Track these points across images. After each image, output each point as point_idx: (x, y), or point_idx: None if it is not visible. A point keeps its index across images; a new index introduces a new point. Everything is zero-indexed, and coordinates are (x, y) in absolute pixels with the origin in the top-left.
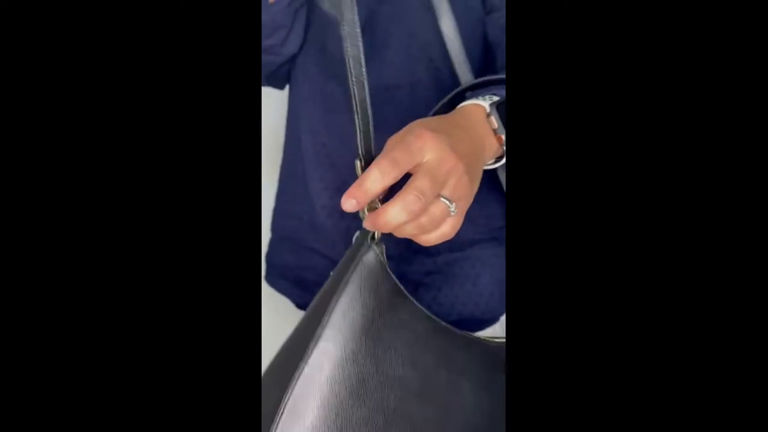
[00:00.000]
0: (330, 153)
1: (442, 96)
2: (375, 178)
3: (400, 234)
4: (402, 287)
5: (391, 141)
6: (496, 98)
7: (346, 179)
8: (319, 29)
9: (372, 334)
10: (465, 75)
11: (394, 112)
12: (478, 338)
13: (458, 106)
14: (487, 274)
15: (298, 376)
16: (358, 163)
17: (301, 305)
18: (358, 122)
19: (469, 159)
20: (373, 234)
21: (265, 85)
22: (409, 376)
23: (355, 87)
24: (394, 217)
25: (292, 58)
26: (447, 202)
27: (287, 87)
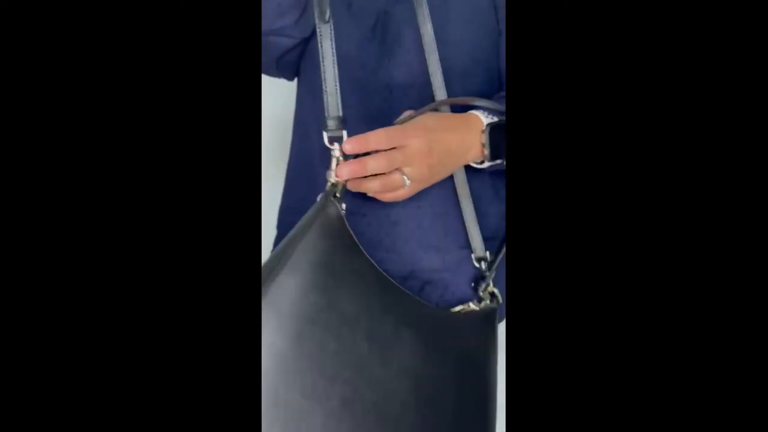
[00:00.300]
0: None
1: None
2: (376, 138)
3: (365, 187)
4: (357, 242)
5: (400, 119)
6: (495, 120)
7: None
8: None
9: (327, 272)
10: (437, 80)
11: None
12: (425, 302)
13: (468, 112)
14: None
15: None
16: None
17: None
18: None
19: (441, 158)
20: (335, 192)
21: (274, 75)
22: (359, 315)
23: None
24: (365, 167)
25: (305, 43)
26: (404, 178)
27: (290, 85)
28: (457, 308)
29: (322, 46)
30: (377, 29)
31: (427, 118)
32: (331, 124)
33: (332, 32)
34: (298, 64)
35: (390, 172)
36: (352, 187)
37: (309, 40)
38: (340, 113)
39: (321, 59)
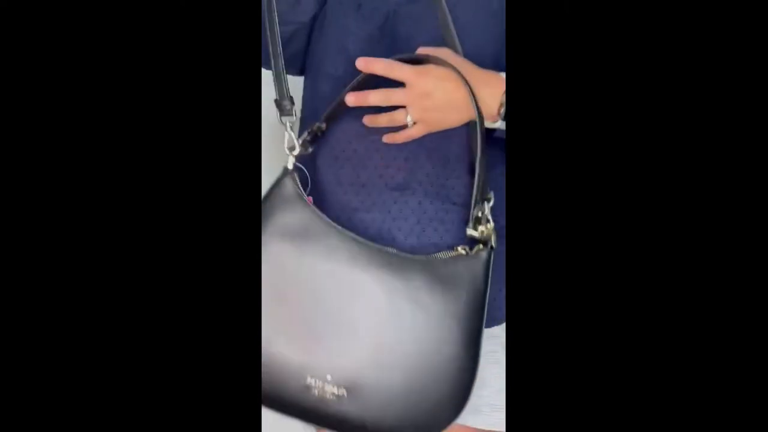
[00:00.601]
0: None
1: None
2: (382, 66)
3: (377, 121)
4: (317, 211)
5: (428, 50)
6: None
7: (359, 174)
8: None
9: (289, 238)
10: None
11: None
12: (391, 250)
13: (500, 73)
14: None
15: None
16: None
17: None
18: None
19: (441, 107)
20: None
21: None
22: (325, 271)
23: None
24: (366, 98)
25: (308, 33)
26: (408, 118)
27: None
28: (442, 254)
29: None
30: (386, 29)
31: (446, 69)
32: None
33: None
34: (304, 58)
35: (397, 110)
36: (368, 122)
37: (311, 36)
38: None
39: None
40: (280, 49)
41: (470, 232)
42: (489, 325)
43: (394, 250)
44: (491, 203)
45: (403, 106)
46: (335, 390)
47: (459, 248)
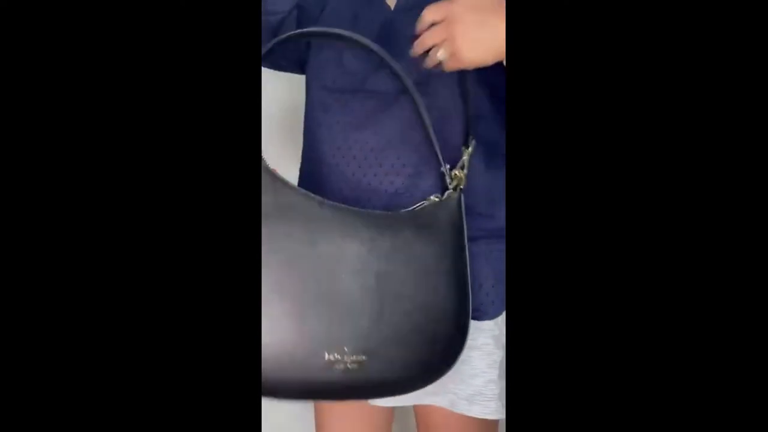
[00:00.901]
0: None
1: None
2: (430, 13)
3: (434, 59)
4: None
5: None
6: None
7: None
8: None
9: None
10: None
11: (398, 118)
12: (375, 212)
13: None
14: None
15: None
16: None
17: None
18: None
19: (468, 39)
20: None
21: (278, 67)
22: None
23: None
24: (423, 43)
25: (307, 46)
26: (442, 51)
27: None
28: (418, 205)
29: None
30: (381, 38)
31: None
32: None
33: None
34: (298, 53)
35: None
36: (429, 63)
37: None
38: None
39: None
40: None
41: (454, 173)
42: (481, 319)
43: (378, 211)
44: (470, 150)
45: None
46: (356, 358)
47: (432, 197)
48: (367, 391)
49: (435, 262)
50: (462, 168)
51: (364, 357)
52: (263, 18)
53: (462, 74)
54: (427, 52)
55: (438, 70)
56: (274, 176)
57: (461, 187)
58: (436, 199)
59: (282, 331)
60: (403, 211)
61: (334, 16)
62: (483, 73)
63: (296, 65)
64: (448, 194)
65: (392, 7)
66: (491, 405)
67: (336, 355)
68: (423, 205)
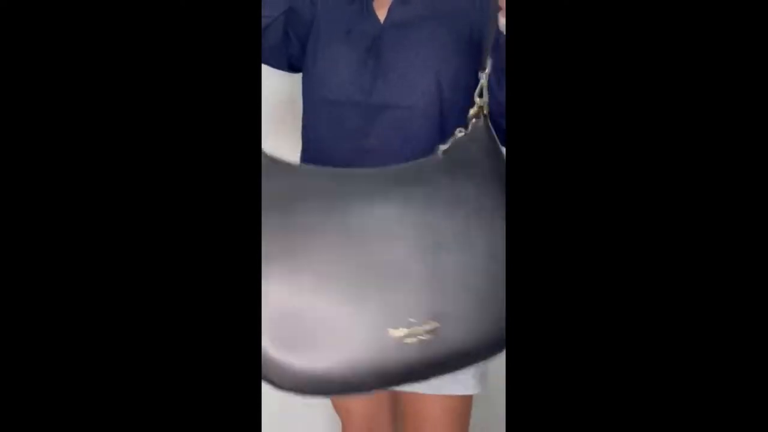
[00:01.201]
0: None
1: (433, 117)
2: None
3: None
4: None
5: None
6: None
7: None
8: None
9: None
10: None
11: (394, 130)
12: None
13: None
14: None
15: None
16: None
17: None
18: None
19: None
20: None
21: (273, 65)
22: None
23: None
24: None
25: (285, 32)
26: None
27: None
28: (443, 147)
29: None
30: (372, 51)
31: None
32: None
33: None
34: (287, 57)
35: None
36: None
37: (295, 30)
38: None
39: None
40: None
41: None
42: None
43: (406, 164)
44: (488, 71)
45: None
46: (427, 327)
47: (456, 132)
48: (449, 363)
49: (478, 202)
50: (480, 95)
51: (435, 324)
52: None
53: None
54: None
55: None
56: (288, 164)
57: (485, 113)
58: (461, 134)
59: (340, 318)
60: (431, 156)
61: (328, 31)
62: None
63: (286, 66)
64: (473, 124)
65: (382, 22)
66: (471, 382)
67: (401, 330)
68: (451, 143)
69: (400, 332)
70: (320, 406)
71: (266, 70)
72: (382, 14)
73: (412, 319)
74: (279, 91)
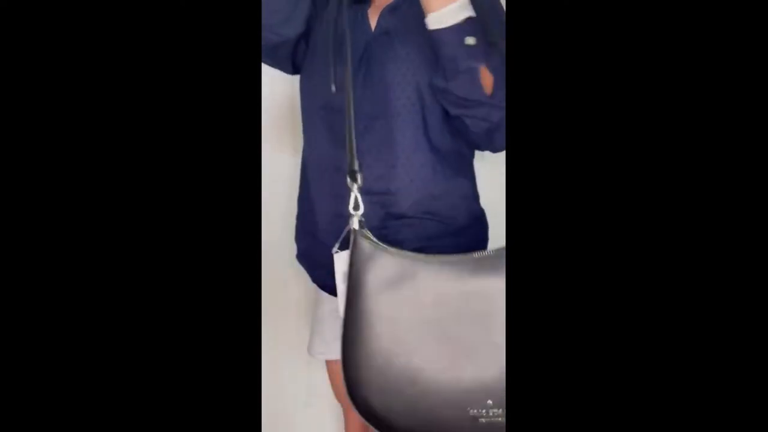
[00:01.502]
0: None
1: (417, 125)
2: None
3: None
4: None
5: None
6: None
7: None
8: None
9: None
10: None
11: (373, 140)
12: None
13: None
14: None
15: None
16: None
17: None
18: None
19: None
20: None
21: (270, 65)
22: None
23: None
24: None
25: (296, 41)
26: None
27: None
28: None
29: None
30: (363, 58)
31: None
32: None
33: None
34: (293, 60)
35: None
36: None
37: (307, 39)
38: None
39: None
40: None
41: None
42: None
43: (480, 254)
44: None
45: None
46: (497, 411)
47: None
48: None
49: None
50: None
51: (500, 410)
52: (263, 34)
53: None
54: None
55: None
56: (375, 246)
57: None
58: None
59: (421, 382)
60: (491, 251)
61: (322, 40)
62: None
63: (289, 68)
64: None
65: (372, 29)
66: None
67: (479, 410)
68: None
69: (476, 412)
70: (320, 406)
71: (267, 70)
72: (374, 21)
73: (489, 402)
74: (279, 92)
